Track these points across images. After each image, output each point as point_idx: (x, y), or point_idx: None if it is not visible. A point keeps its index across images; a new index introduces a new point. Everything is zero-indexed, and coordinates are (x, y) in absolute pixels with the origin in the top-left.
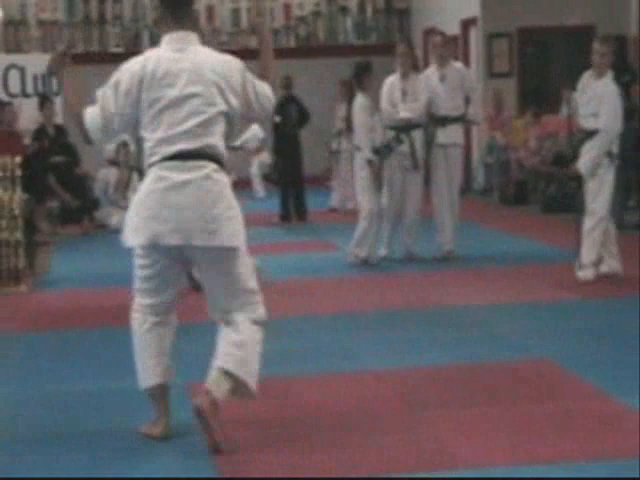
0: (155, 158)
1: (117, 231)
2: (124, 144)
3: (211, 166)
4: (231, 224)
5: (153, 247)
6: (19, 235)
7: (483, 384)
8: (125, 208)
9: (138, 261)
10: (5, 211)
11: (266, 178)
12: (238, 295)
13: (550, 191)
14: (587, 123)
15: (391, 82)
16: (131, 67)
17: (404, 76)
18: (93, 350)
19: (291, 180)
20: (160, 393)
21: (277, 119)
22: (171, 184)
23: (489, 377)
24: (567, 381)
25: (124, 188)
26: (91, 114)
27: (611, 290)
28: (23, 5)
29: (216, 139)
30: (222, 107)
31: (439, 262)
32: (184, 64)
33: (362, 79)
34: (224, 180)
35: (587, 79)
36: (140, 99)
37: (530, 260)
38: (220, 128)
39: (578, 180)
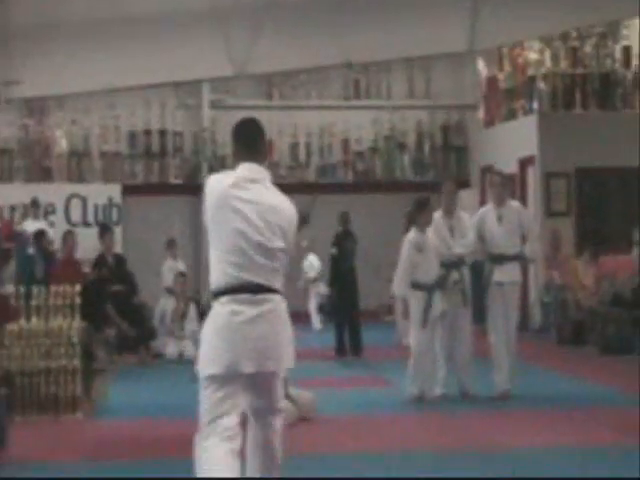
0: (223, 288)
1: (173, 361)
2: (181, 274)
3: (276, 298)
4: (290, 348)
5: (228, 376)
6: (77, 362)
7: None
8: (181, 338)
9: (209, 390)
10: (64, 339)
11: (321, 309)
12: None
13: (608, 332)
14: None
15: (436, 220)
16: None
17: (448, 213)
18: None
19: (347, 314)
20: None
21: (334, 251)
22: (246, 318)
23: None
24: None
25: (181, 318)
26: None
27: None
28: (86, 137)
29: (278, 273)
30: (282, 244)
31: (495, 402)
32: (253, 197)
33: (417, 215)
34: (285, 308)
35: None
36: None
37: (588, 402)
38: (280, 262)
39: (637, 322)
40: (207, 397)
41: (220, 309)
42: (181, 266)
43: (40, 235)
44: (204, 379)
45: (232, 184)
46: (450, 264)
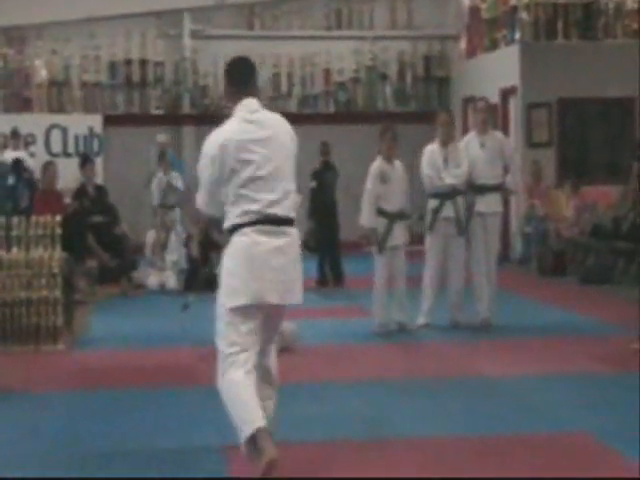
0: (246, 219)
1: (155, 292)
2: (161, 205)
3: (294, 230)
4: (301, 282)
5: (253, 306)
6: (58, 293)
7: (519, 456)
8: (163, 269)
9: (235, 321)
10: (44, 269)
11: (304, 245)
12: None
13: (588, 262)
14: None
15: (432, 150)
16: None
17: (444, 144)
18: (130, 410)
19: (328, 245)
20: (264, 434)
21: (313, 185)
22: (270, 248)
23: (526, 449)
24: (606, 455)
25: (161, 249)
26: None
27: None
28: (66, 67)
29: (292, 200)
30: (292, 170)
31: (476, 331)
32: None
33: (379, 144)
34: (299, 241)
35: None
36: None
37: (567, 331)
38: (294, 193)
39: (617, 252)
40: (233, 329)
41: (243, 240)
42: (175, 181)
43: (18, 163)
44: (230, 311)
45: (239, 130)
46: (444, 195)
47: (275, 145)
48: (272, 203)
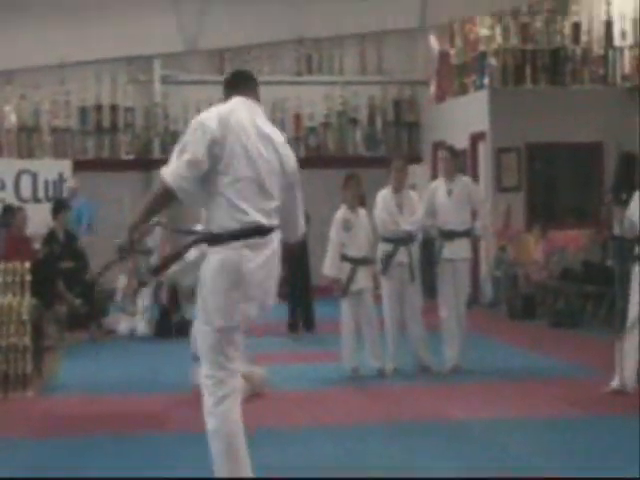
0: (236, 231)
1: (125, 337)
2: (122, 249)
3: (276, 235)
4: (275, 283)
5: (239, 325)
6: (27, 340)
7: None
8: (133, 314)
9: (221, 341)
10: (14, 316)
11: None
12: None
13: (558, 306)
14: None
15: (385, 195)
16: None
17: (397, 190)
18: (99, 457)
19: (299, 290)
20: None
21: None
22: (259, 264)
23: None
24: None
25: (133, 295)
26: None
27: (621, 406)
28: (36, 112)
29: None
30: (282, 179)
31: (446, 375)
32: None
33: (343, 192)
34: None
35: None
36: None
37: (537, 375)
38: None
39: (585, 296)
40: (220, 351)
41: (230, 255)
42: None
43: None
44: (217, 331)
45: (231, 123)
46: (398, 240)
47: (272, 149)
48: (265, 213)
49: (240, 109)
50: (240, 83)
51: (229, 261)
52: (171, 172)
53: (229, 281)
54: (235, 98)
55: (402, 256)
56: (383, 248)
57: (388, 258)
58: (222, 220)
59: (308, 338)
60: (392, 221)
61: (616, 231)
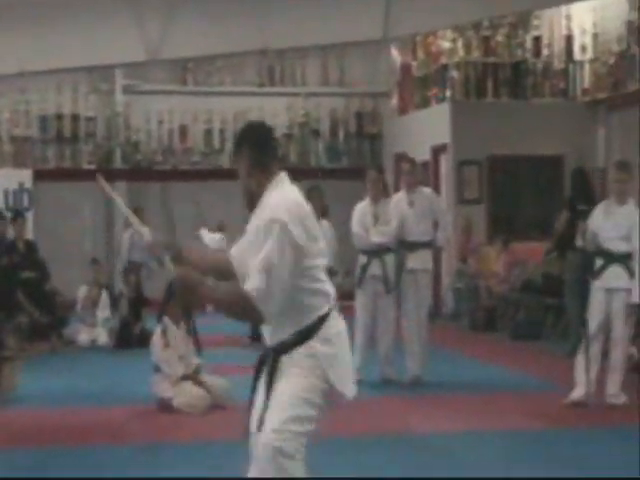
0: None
1: (85, 348)
2: (94, 260)
3: None
4: None
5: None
6: None
7: None
8: (93, 325)
9: (317, 403)
10: None
11: None
12: None
13: (518, 318)
14: (617, 246)
15: (362, 207)
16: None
17: (374, 201)
18: (59, 470)
19: None
20: None
21: None
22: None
23: None
24: None
25: (92, 305)
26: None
27: (581, 418)
28: None
29: None
30: None
31: (407, 387)
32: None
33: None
34: None
35: (608, 206)
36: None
37: (498, 387)
38: None
39: (546, 308)
40: (312, 409)
41: (337, 324)
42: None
43: None
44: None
45: (303, 205)
46: (370, 252)
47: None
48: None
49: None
50: (275, 148)
51: (337, 328)
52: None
53: (343, 347)
54: (283, 176)
55: (375, 268)
56: (360, 261)
57: (362, 271)
58: (317, 304)
59: None
60: (364, 234)
61: (579, 243)
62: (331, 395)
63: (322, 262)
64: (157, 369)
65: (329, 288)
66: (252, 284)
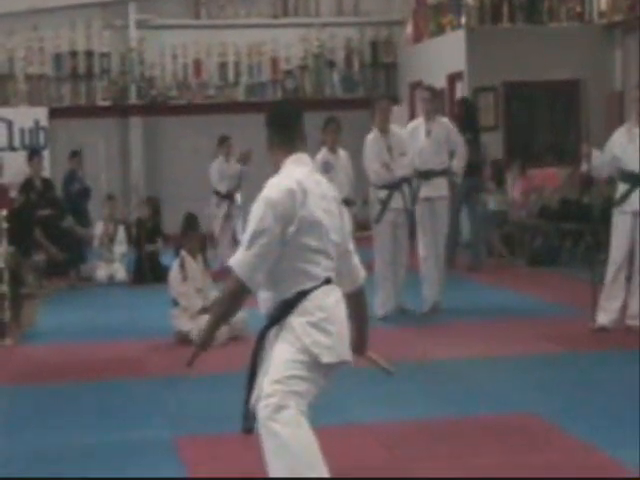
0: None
1: (103, 284)
2: (109, 197)
3: None
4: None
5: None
6: (5, 288)
7: (468, 437)
8: (111, 261)
9: (305, 362)
10: None
11: None
12: None
13: (536, 244)
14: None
15: (374, 141)
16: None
17: (384, 132)
18: (77, 404)
19: None
20: None
21: None
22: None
23: (474, 430)
24: (552, 434)
25: (109, 241)
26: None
27: (599, 342)
28: (10, 59)
29: None
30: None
31: (426, 315)
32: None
33: (323, 135)
34: None
35: (628, 129)
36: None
37: (516, 313)
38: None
39: (563, 233)
40: (303, 380)
41: (322, 299)
42: (231, 169)
43: None
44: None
45: (304, 190)
46: (392, 186)
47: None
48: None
49: (306, 176)
50: (297, 129)
51: (320, 297)
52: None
53: (327, 317)
54: (298, 157)
55: (396, 201)
56: (377, 195)
57: (384, 205)
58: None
59: None
60: (386, 170)
61: (583, 167)
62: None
63: (315, 244)
64: (175, 303)
65: (319, 271)
66: (233, 259)
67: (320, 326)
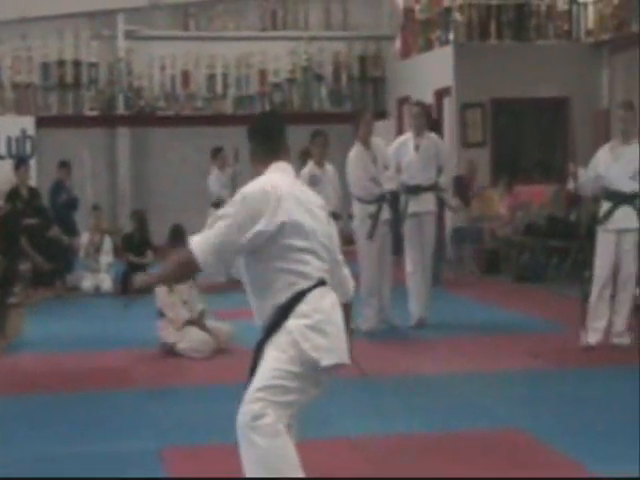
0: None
1: (89, 294)
2: (95, 207)
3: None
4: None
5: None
6: None
7: (454, 453)
8: (97, 271)
9: (297, 373)
10: None
11: None
12: None
13: (522, 260)
14: (627, 186)
15: (358, 154)
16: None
17: (366, 144)
18: (63, 414)
19: None
20: None
21: None
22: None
23: (461, 446)
24: (539, 450)
25: (95, 252)
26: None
27: (583, 359)
28: None
29: None
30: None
31: (412, 330)
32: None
33: (310, 148)
34: None
35: (614, 147)
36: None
37: (502, 329)
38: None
39: (549, 250)
40: (290, 380)
41: (318, 300)
42: (226, 176)
43: None
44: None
45: (279, 194)
46: (380, 199)
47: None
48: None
49: (286, 181)
50: (280, 141)
51: (316, 302)
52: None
53: (324, 319)
54: (278, 165)
55: (385, 213)
56: (367, 210)
57: (374, 220)
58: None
59: None
60: (374, 183)
61: (570, 185)
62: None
63: (302, 244)
64: (161, 314)
65: (310, 270)
66: (194, 237)
67: (318, 328)
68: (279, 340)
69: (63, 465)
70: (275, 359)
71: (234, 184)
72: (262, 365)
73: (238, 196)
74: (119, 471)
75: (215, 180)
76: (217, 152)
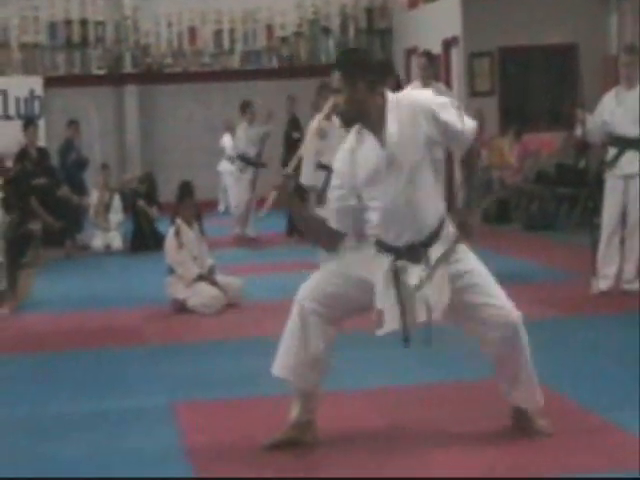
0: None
1: (100, 253)
2: (104, 165)
3: None
4: None
5: None
6: (1, 257)
7: (469, 402)
8: (107, 230)
9: None
10: None
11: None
12: None
13: (532, 209)
14: (630, 131)
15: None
16: None
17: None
18: (74, 372)
19: None
20: None
21: (297, 135)
22: None
23: (475, 395)
24: (548, 397)
25: (105, 210)
26: None
27: (595, 307)
28: (5, 28)
29: None
30: None
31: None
32: None
33: (317, 100)
34: None
35: (618, 92)
36: None
37: (512, 278)
38: None
39: (559, 198)
40: None
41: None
42: (259, 132)
43: None
44: None
45: None
46: None
47: None
48: None
49: None
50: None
51: None
52: None
53: None
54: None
55: None
56: None
57: None
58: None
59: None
60: None
61: (578, 132)
62: None
63: None
64: (171, 271)
65: None
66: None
67: None
68: (467, 256)
69: (74, 421)
70: (484, 270)
71: (263, 146)
72: (481, 276)
73: (443, 99)
74: (131, 426)
75: (242, 134)
76: (246, 106)
